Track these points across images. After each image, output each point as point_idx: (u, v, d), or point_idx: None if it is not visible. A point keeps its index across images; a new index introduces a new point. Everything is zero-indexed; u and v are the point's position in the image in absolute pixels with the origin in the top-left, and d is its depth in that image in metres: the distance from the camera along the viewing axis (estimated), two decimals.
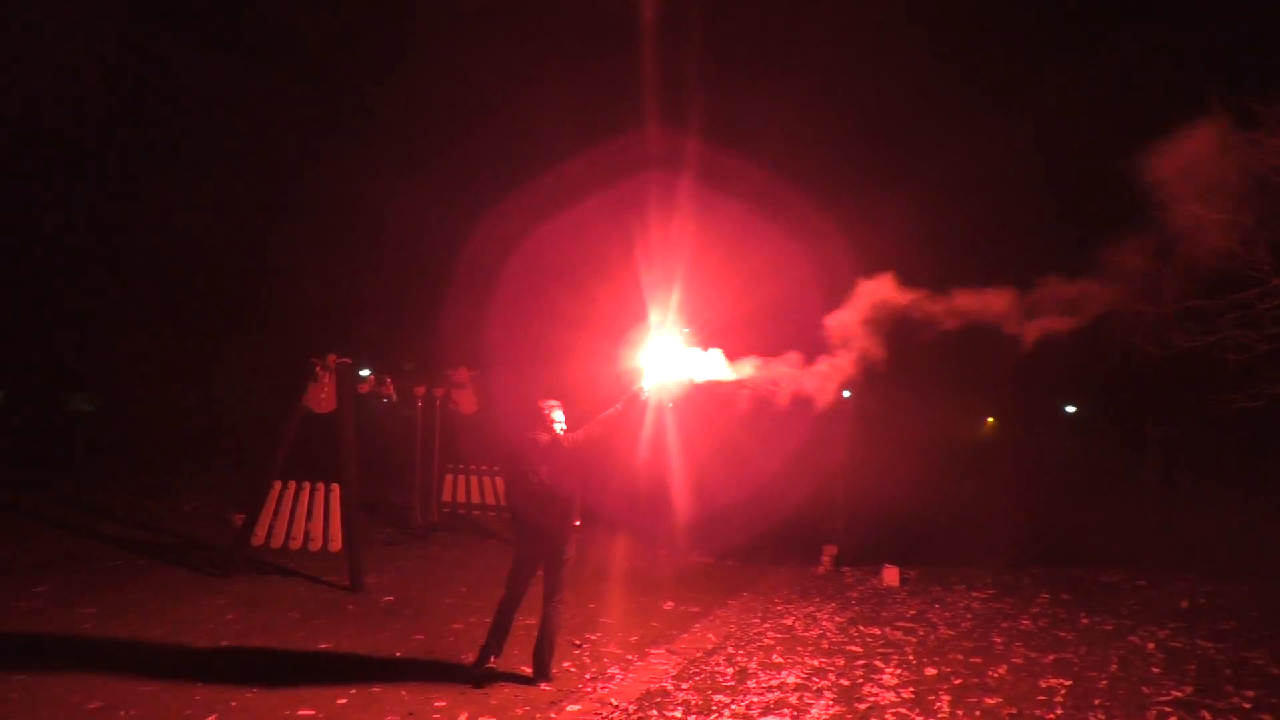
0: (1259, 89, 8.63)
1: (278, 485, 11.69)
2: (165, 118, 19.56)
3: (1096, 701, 6.55)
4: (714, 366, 7.32)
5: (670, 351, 7.30)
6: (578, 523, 6.91)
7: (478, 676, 6.83)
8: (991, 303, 7.90)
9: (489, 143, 18.91)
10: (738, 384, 7.46)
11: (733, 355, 7.38)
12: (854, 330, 7.65)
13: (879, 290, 7.73)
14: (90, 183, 18.95)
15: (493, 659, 6.97)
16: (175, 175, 19.65)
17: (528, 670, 6.97)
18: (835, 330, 7.70)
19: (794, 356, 7.54)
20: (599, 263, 15.84)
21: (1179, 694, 6.77)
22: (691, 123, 15.72)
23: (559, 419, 7.01)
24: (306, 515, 12.02)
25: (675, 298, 7.42)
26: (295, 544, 11.84)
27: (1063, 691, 6.81)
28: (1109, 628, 8.96)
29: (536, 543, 6.93)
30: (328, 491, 12.01)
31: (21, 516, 12.90)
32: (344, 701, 6.23)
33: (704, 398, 7.65)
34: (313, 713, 5.97)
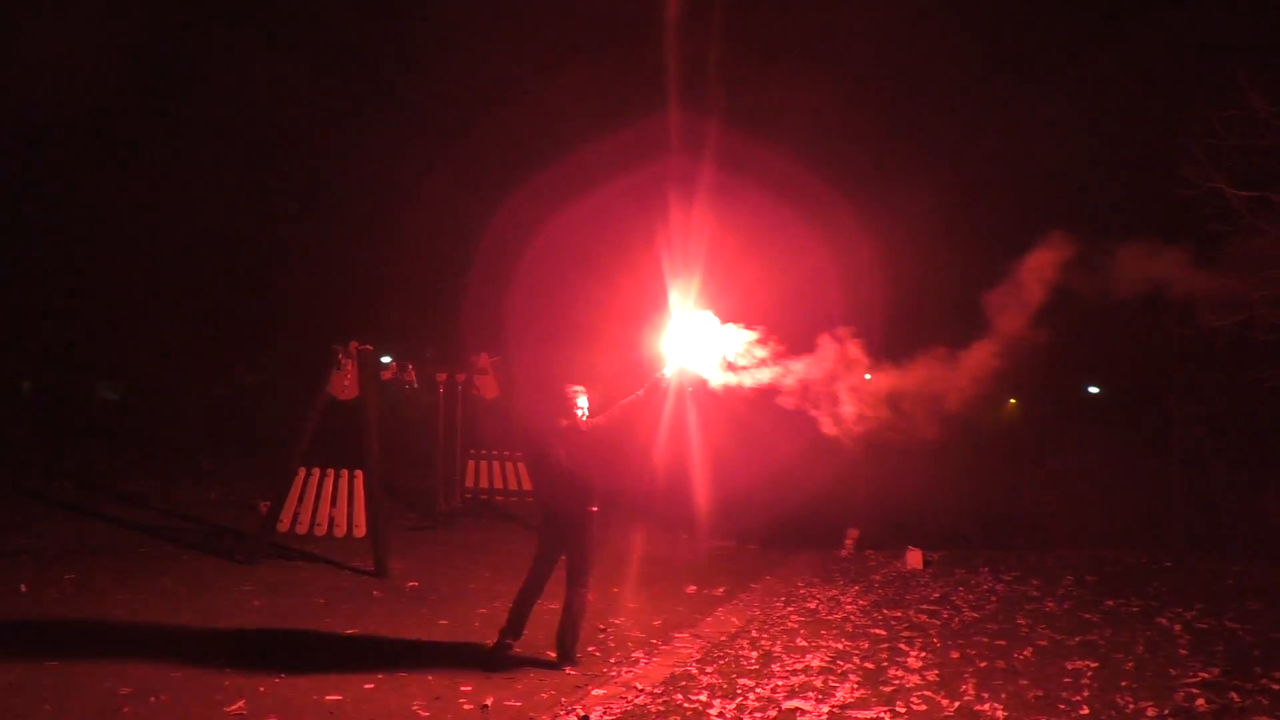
0: None
1: (302, 472, 11.77)
2: (189, 106, 19.65)
3: (1123, 683, 6.52)
4: (732, 345, 7.27)
5: (691, 338, 7.28)
6: (595, 508, 6.91)
7: (494, 659, 6.87)
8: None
9: (512, 128, 18.88)
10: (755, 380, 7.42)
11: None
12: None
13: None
14: (116, 171, 19.07)
15: (510, 642, 7.01)
16: (199, 163, 19.76)
17: (552, 655, 7.01)
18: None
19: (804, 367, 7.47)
20: (621, 249, 15.82)
21: (1206, 675, 6.72)
22: (714, 108, 15.63)
23: (582, 404, 7.02)
24: (331, 501, 12.09)
25: (696, 284, 7.38)
26: (320, 530, 11.92)
27: (1089, 673, 6.77)
28: (1135, 609, 8.90)
29: (557, 528, 6.96)
30: (351, 478, 12.08)
31: (50, 504, 13.06)
32: (371, 686, 6.28)
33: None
34: (340, 698, 6.02)
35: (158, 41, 18.45)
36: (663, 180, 14.99)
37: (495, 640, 7.06)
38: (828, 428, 7.57)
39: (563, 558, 6.99)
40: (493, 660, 6.90)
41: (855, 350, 7.51)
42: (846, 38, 16.69)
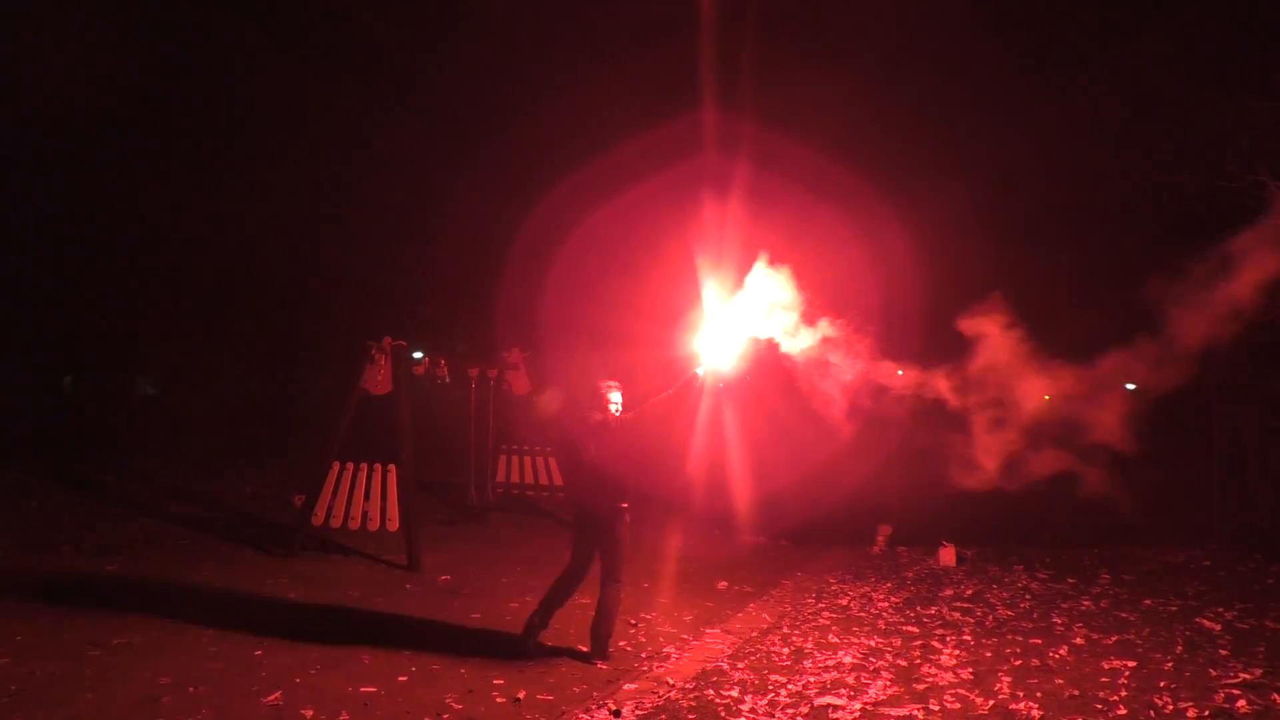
0: None
1: (336, 466, 11.89)
2: (224, 110, 19.85)
3: (1162, 684, 6.43)
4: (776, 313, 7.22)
5: (725, 334, 7.25)
6: (625, 504, 6.90)
7: (523, 646, 6.95)
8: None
9: (546, 125, 18.89)
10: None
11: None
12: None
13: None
14: (155, 172, 19.32)
15: (537, 627, 7.06)
16: (234, 164, 19.97)
17: (585, 648, 7.03)
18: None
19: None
20: (656, 246, 15.79)
21: (1248, 676, 6.62)
22: (749, 105, 15.56)
23: (616, 400, 7.01)
24: (365, 496, 12.22)
25: (730, 283, 7.35)
26: (354, 524, 12.06)
27: (1126, 673, 6.70)
28: (1174, 609, 8.79)
29: (589, 524, 6.97)
30: (385, 472, 12.19)
31: (90, 498, 13.27)
32: (404, 679, 6.33)
33: (758, 376, 7.59)
34: (375, 689, 6.07)
35: (198, 43, 18.69)
36: (696, 177, 14.96)
37: (524, 628, 7.10)
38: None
39: (598, 554, 7.01)
40: (522, 647, 6.94)
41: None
42: (882, 32, 16.51)
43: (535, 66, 19.77)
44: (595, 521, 6.92)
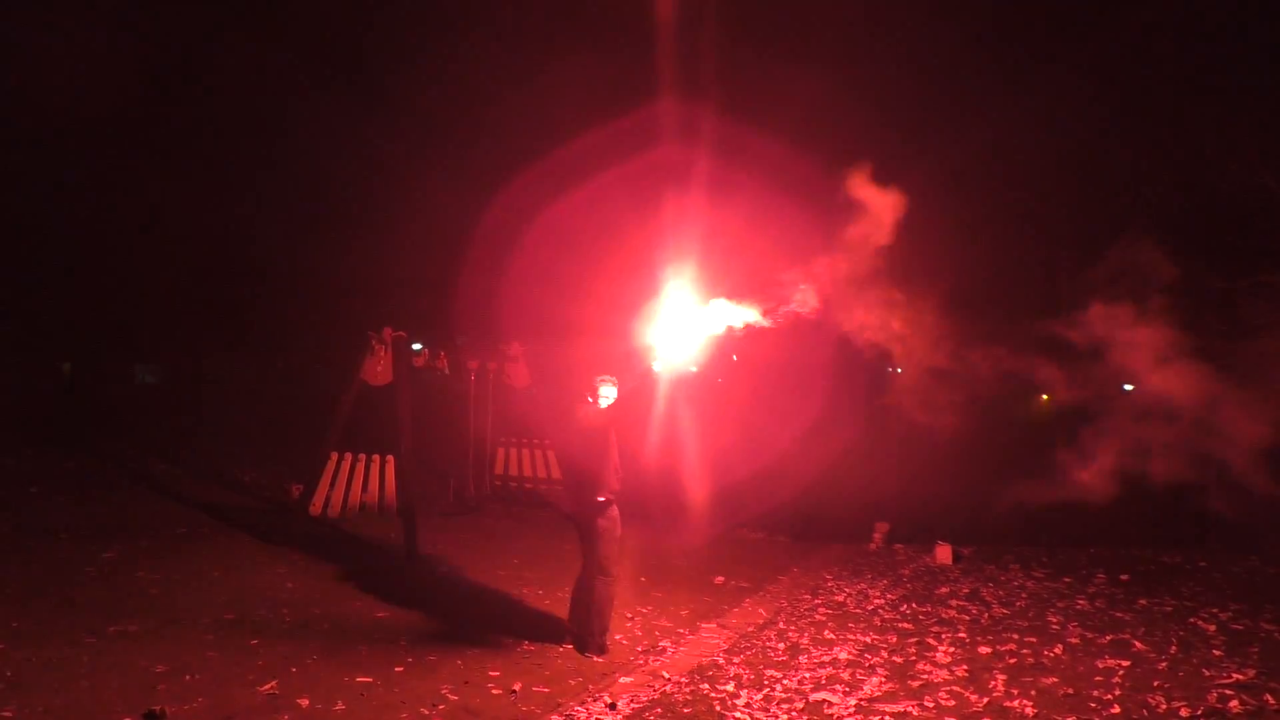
0: None
1: (335, 456, 11.90)
2: (207, 102, 19.82)
3: (1156, 683, 6.45)
4: (719, 315, 7.22)
5: (679, 324, 7.22)
6: (601, 498, 6.91)
7: (582, 646, 6.99)
8: None
9: (509, 118, 18.76)
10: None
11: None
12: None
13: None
14: (156, 157, 19.31)
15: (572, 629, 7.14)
16: (227, 152, 19.96)
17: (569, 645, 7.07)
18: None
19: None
20: (613, 237, 15.75)
21: (1240, 677, 6.63)
22: (712, 97, 15.43)
23: (607, 394, 7.02)
24: (363, 486, 12.22)
25: (689, 272, 7.34)
26: (352, 514, 12.06)
27: (1121, 672, 6.71)
28: (1169, 609, 8.80)
29: (575, 518, 7.08)
30: (384, 463, 12.20)
31: (88, 484, 13.26)
32: (401, 669, 6.35)
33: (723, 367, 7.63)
34: (371, 680, 6.09)
35: (168, 34, 18.64)
36: (662, 168, 14.90)
37: (572, 642, 7.08)
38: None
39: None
40: (583, 645, 6.98)
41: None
42: (847, 23, 16.36)
43: (507, 55, 19.59)
44: (576, 517, 7.02)
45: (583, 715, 5.65)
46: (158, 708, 5.33)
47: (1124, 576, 10.32)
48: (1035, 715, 5.78)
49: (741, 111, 15.57)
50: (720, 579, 9.87)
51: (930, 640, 7.53)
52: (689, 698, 5.99)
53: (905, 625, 8.03)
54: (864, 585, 9.73)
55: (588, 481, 6.90)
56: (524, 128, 18.49)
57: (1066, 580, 10.10)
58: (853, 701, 5.93)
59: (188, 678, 5.96)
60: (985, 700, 6.04)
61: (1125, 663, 6.94)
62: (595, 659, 6.81)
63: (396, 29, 19.49)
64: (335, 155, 19.88)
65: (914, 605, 8.82)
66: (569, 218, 17.38)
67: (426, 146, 19.90)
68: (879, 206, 7.44)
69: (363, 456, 12.25)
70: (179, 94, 19.51)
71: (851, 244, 7.43)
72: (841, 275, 7.41)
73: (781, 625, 7.95)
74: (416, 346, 13.37)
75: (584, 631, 6.99)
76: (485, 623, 7.70)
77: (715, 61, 15.51)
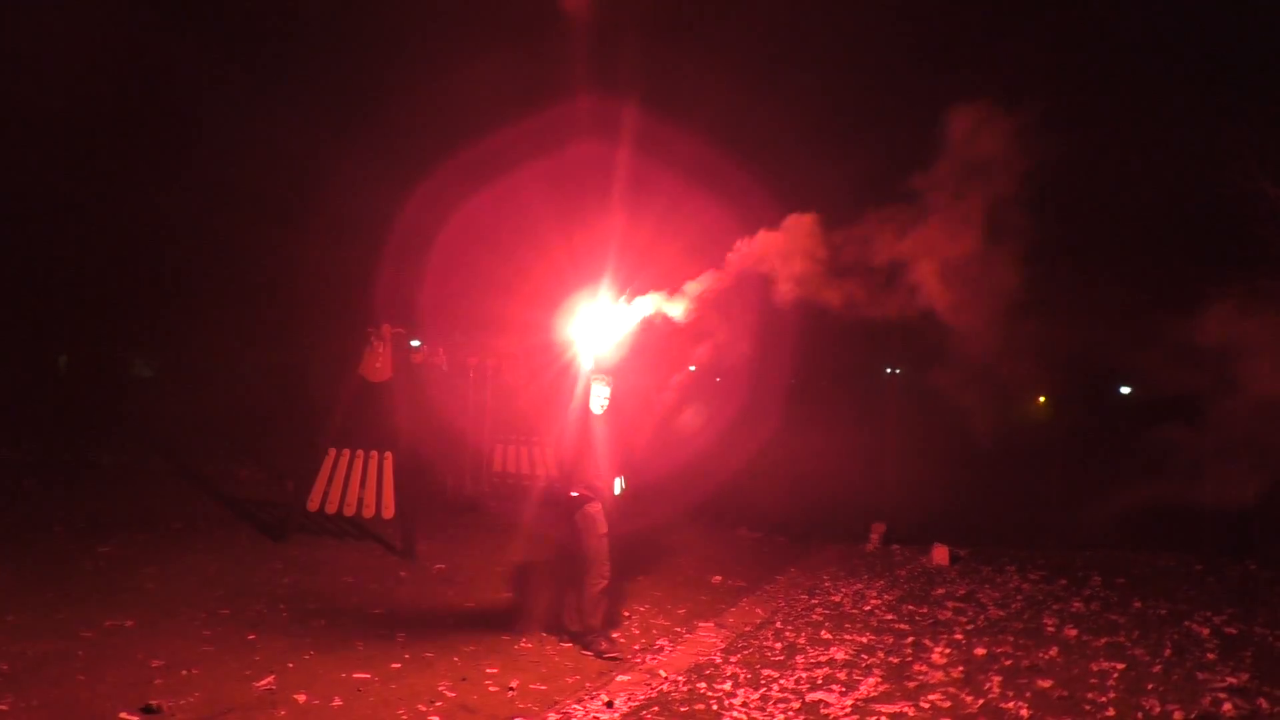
0: None
1: (332, 452, 11.87)
2: (206, 100, 19.78)
3: (1150, 686, 6.47)
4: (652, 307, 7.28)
5: (605, 318, 7.28)
6: (575, 493, 6.99)
7: (600, 654, 6.96)
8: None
9: (430, 107, 18.61)
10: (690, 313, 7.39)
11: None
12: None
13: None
14: (151, 152, 19.28)
15: (594, 628, 7.12)
16: (220, 141, 19.92)
17: (567, 644, 7.07)
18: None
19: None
20: (533, 231, 15.70)
21: (1234, 680, 6.65)
22: (633, 92, 15.35)
23: (601, 394, 7.08)
24: (360, 482, 12.20)
25: (609, 266, 7.39)
26: (349, 511, 12.01)
27: (1115, 675, 6.73)
28: (1163, 612, 8.82)
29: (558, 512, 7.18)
30: (381, 459, 12.17)
31: (84, 478, 13.26)
32: (398, 666, 6.35)
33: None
34: (368, 676, 6.09)
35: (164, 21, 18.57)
36: (581, 161, 14.85)
37: (593, 648, 7.04)
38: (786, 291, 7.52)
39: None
40: (601, 653, 6.97)
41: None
42: (774, 23, 16.29)
43: (417, 49, 19.45)
44: (557, 510, 7.13)
45: (580, 713, 5.66)
46: (154, 702, 5.32)
47: (1119, 579, 10.35)
48: (1030, 717, 5.79)
49: (665, 108, 15.46)
50: (717, 578, 9.88)
51: (926, 641, 7.55)
52: (686, 696, 6.00)
53: (902, 626, 8.05)
54: (861, 586, 9.75)
55: (563, 476, 7.07)
56: (441, 121, 18.28)
57: (1062, 582, 10.12)
58: (849, 702, 5.94)
59: (184, 672, 5.96)
60: (981, 702, 6.05)
61: (1120, 665, 6.96)
62: (591, 657, 6.82)
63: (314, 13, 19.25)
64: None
65: (910, 606, 8.84)
66: (489, 213, 17.30)
67: (343, 135, 19.64)
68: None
69: (360, 453, 12.23)
70: (168, 86, 19.44)
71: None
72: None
73: (778, 625, 7.97)
74: (415, 343, 13.36)
75: (585, 629, 7.04)
76: (482, 620, 7.71)
77: (637, 56, 15.43)
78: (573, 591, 7.15)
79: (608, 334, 7.27)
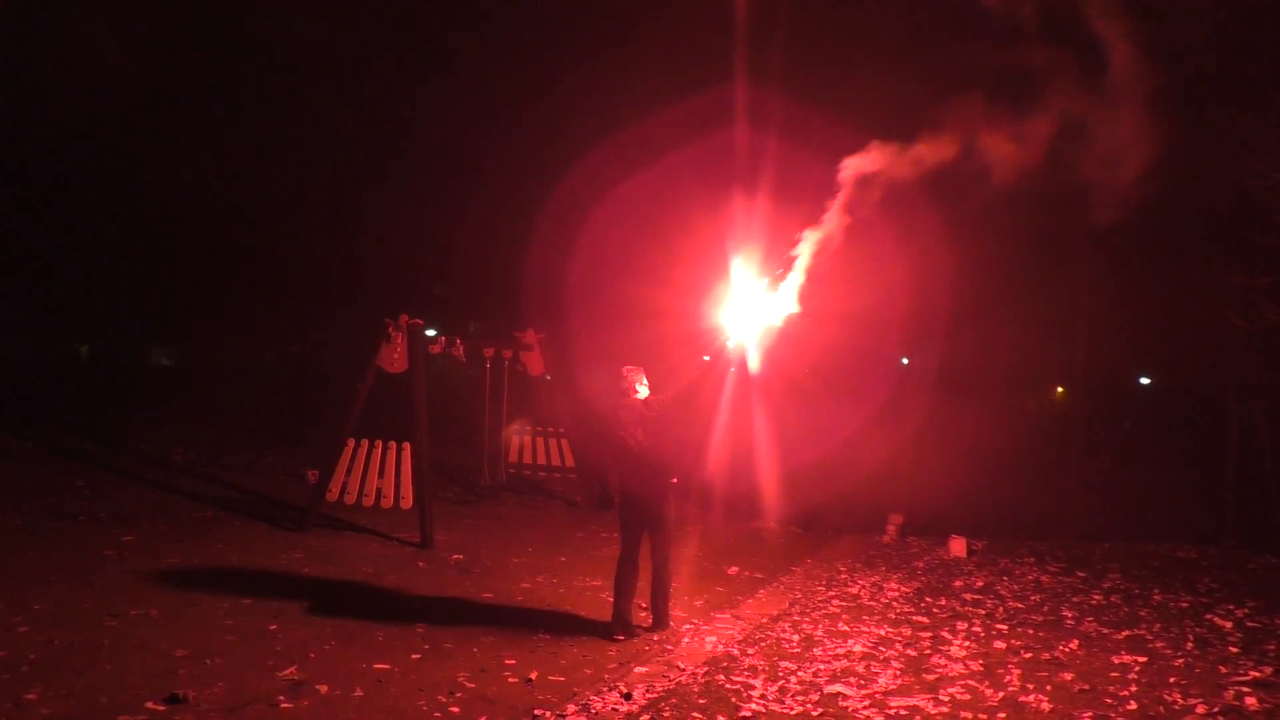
0: None
1: (351, 443, 11.95)
2: (245, 70, 19.75)
3: (1172, 679, 6.43)
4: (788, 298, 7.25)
5: (750, 307, 7.27)
6: (675, 480, 7.20)
7: (624, 634, 7.07)
8: None
9: (575, 97, 18.70)
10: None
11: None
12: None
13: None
14: (172, 139, 19.34)
15: (637, 614, 7.31)
16: (253, 130, 19.94)
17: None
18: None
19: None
20: (683, 220, 15.71)
21: (1258, 674, 6.62)
22: (779, 79, 15.34)
23: (641, 387, 7.14)
24: (379, 473, 12.28)
25: (758, 255, 7.37)
26: (368, 501, 12.12)
27: (1136, 668, 6.70)
28: (1184, 605, 8.78)
29: (637, 508, 7.19)
30: (399, 450, 12.25)
31: (106, 468, 13.36)
32: (418, 657, 6.39)
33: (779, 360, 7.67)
34: (388, 666, 6.13)
35: (211, 11, 18.62)
36: (725, 149, 14.86)
37: (621, 634, 7.10)
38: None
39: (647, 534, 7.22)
40: (628, 632, 7.09)
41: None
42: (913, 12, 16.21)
43: (564, 36, 19.56)
44: (642, 503, 7.13)
45: (599, 704, 5.68)
46: (181, 692, 5.38)
47: (1139, 571, 10.30)
48: (1051, 711, 5.77)
49: (814, 95, 15.42)
50: (734, 569, 9.89)
51: (945, 633, 7.53)
52: (704, 688, 6.01)
53: (920, 618, 8.03)
54: (878, 577, 9.73)
55: (659, 467, 7.09)
56: (586, 110, 18.37)
57: (1081, 575, 10.08)
58: (867, 694, 5.94)
59: (208, 661, 6.01)
60: (1001, 695, 6.03)
61: (1141, 659, 6.92)
62: (609, 649, 6.85)
63: None
64: (379, 135, 19.72)
65: (928, 598, 8.81)
66: (637, 200, 17.37)
67: (485, 129, 19.78)
68: None
69: (379, 443, 12.30)
70: (211, 70, 19.50)
71: None
72: None
73: (796, 617, 7.96)
74: (431, 333, 13.41)
75: (657, 613, 7.35)
76: (500, 611, 7.74)
77: (786, 43, 15.42)
78: (633, 585, 7.20)
79: (755, 322, 7.29)
